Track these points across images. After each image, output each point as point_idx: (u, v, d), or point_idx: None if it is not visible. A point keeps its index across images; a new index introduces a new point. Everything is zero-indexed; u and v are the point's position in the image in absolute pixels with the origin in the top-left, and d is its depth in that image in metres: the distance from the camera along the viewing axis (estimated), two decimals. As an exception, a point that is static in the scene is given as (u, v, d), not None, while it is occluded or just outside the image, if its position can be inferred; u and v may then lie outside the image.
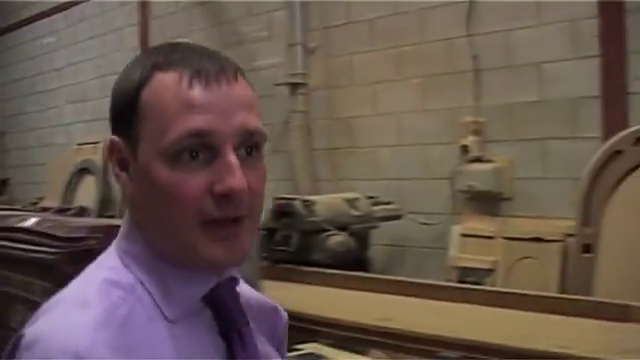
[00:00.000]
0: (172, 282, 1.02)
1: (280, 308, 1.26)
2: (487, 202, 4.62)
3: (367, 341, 3.11)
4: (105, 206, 6.94)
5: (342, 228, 4.34)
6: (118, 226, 1.11)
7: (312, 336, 3.45)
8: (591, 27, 4.18)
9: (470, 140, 4.60)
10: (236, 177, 0.97)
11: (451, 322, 3.10)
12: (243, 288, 1.15)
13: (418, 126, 5.01)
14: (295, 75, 5.44)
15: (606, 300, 3.20)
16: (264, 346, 1.14)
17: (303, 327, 3.59)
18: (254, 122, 1.01)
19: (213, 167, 0.97)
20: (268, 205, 4.37)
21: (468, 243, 4.53)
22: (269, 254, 4.38)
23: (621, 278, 3.82)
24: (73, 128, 8.43)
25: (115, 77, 1.07)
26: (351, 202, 4.49)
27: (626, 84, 4.11)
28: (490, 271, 4.35)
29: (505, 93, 4.57)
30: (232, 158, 0.97)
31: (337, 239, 4.23)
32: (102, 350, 0.91)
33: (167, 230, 0.99)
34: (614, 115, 4.16)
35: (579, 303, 3.18)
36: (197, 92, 0.97)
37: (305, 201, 4.30)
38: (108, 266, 1.04)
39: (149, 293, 1.00)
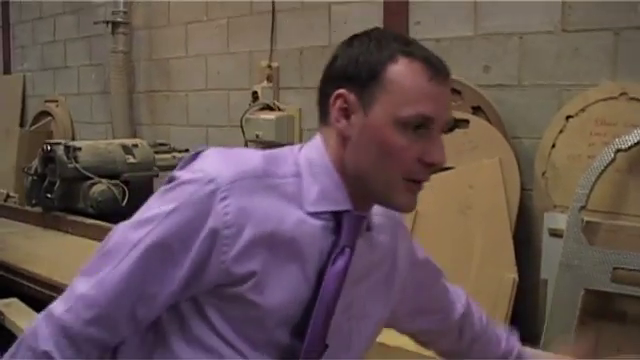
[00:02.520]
0: (325, 189, 1.23)
1: (400, 218, 1.46)
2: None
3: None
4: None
5: (114, 176, 4.08)
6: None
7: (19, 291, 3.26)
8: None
9: (261, 87, 4.29)
10: (442, 154, 1.22)
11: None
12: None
13: (222, 70, 4.71)
14: (116, 13, 5.13)
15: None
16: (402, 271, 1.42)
17: (14, 280, 3.40)
18: (452, 116, 1.34)
19: (425, 141, 1.20)
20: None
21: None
22: (40, 201, 4.17)
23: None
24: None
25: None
26: (128, 149, 4.21)
27: (408, 30, 3.77)
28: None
29: (297, 37, 4.23)
30: (440, 140, 1.23)
31: (99, 188, 3.97)
32: (232, 195, 1.14)
33: (376, 174, 1.22)
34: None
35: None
36: (433, 86, 1.20)
37: (68, 147, 4.02)
38: (275, 156, 1.24)
39: (300, 188, 1.21)
